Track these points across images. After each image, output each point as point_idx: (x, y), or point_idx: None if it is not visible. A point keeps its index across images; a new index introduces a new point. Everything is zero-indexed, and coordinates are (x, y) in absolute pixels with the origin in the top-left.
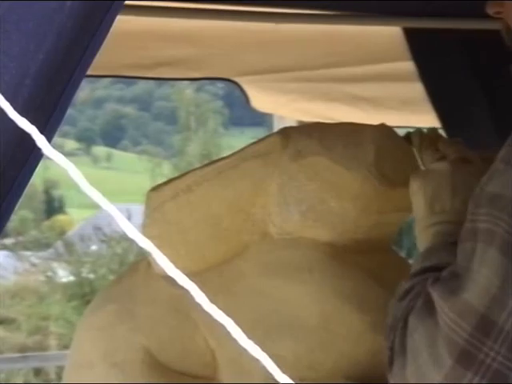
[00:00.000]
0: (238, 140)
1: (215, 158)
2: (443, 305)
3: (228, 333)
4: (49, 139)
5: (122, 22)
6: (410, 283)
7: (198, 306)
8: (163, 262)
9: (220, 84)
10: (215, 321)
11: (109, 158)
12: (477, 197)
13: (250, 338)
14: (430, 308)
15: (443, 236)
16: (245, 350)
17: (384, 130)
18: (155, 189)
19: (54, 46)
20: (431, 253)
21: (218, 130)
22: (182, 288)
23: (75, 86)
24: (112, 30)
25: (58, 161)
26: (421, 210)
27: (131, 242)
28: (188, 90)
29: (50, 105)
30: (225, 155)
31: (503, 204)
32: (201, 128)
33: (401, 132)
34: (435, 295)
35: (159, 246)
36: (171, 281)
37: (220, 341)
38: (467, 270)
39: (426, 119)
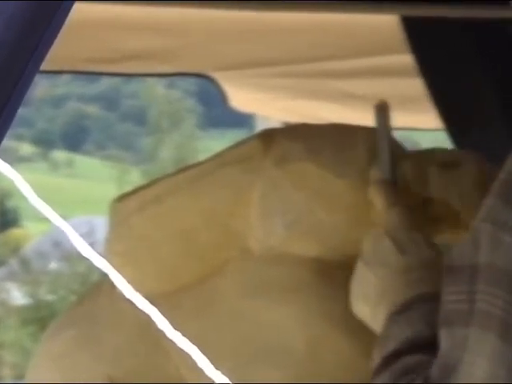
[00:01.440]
0: (217, 143)
1: (190, 163)
2: None
3: (194, 361)
4: None
5: (82, 11)
6: (387, 376)
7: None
8: (121, 284)
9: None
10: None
11: (70, 163)
12: (462, 268)
13: (229, 366)
14: None
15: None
16: (212, 380)
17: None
18: (120, 199)
19: (2, 38)
20: (406, 322)
21: (193, 131)
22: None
23: (27, 83)
24: (71, 19)
25: (3, 170)
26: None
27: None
28: (158, 86)
29: None
30: (201, 160)
31: (497, 277)
32: (174, 129)
33: (398, 134)
34: None
35: (124, 264)
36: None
37: (192, 369)
38: (461, 364)
39: (427, 119)
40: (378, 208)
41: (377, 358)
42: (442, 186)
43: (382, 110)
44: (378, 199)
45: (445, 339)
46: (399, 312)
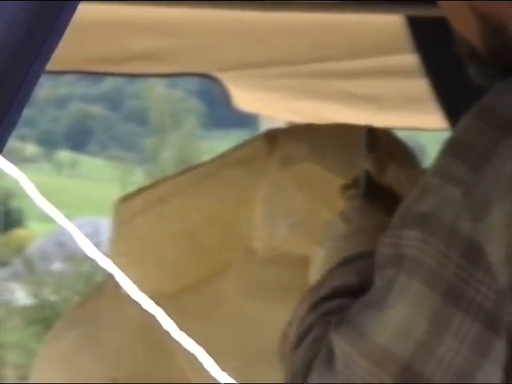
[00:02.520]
0: (220, 143)
1: (193, 163)
2: (351, 351)
3: (199, 363)
4: (2, 144)
5: (87, 11)
6: (310, 319)
7: (167, 332)
8: (126, 285)
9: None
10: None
11: (73, 164)
12: (402, 215)
13: (232, 367)
14: (331, 360)
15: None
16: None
17: (382, 133)
18: (124, 200)
19: (5, 39)
20: (338, 274)
21: (195, 131)
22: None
23: (32, 84)
24: (75, 19)
25: (8, 170)
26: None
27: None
28: (160, 86)
29: (4, 104)
30: (204, 161)
31: (436, 227)
32: (176, 130)
33: (403, 134)
34: (340, 342)
35: (128, 265)
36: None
37: (197, 371)
38: (382, 306)
39: (432, 119)
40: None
41: (304, 306)
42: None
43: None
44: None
45: (376, 281)
46: (335, 267)
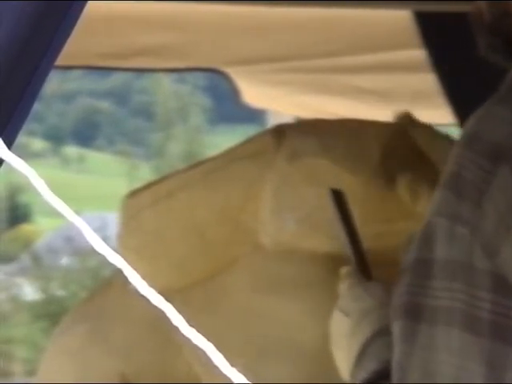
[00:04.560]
0: (227, 138)
1: (200, 158)
2: None
3: (209, 359)
4: (11, 140)
5: (95, 6)
6: None
7: (176, 328)
8: (135, 280)
9: (203, 75)
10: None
11: (81, 159)
12: (417, 264)
13: (240, 362)
14: None
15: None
16: (228, 378)
17: (391, 128)
18: (132, 194)
19: (13, 33)
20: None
21: (202, 126)
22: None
23: (41, 79)
24: (83, 14)
25: (17, 166)
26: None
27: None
28: (168, 81)
29: (12, 100)
30: (212, 155)
31: (456, 271)
32: (183, 124)
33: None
34: None
35: (136, 260)
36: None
37: (206, 366)
38: (429, 363)
39: (440, 114)
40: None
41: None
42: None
43: (339, 197)
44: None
45: (400, 331)
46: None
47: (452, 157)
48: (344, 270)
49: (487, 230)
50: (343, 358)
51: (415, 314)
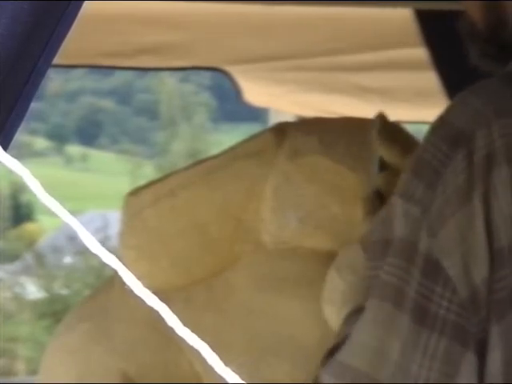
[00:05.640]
0: (230, 137)
1: (203, 156)
2: (322, 376)
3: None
4: (9, 139)
5: (97, 4)
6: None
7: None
8: (130, 280)
9: (207, 74)
10: (194, 344)
11: (84, 157)
12: (372, 245)
13: (242, 360)
14: None
15: None
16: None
17: (391, 126)
18: (134, 193)
19: (11, 32)
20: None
21: (205, 125)
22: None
23: (39, 78)
24: (86, 13)
25: (11, 166)
26: None
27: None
28: (171, 80)
29: (10, 99)
30: (214, 154)
31: (398, 248)
32: (187, 123)
33: (413, 128)
34: (327, 377)
35: (138, 258)
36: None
37: (206, 365)
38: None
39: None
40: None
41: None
42: None
43: (375, 123)
44: (360, 212)
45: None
46: (347, 317)
47: (422, 140)
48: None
49: (435, 211)
50: (336, 294)
51: (369, 288)
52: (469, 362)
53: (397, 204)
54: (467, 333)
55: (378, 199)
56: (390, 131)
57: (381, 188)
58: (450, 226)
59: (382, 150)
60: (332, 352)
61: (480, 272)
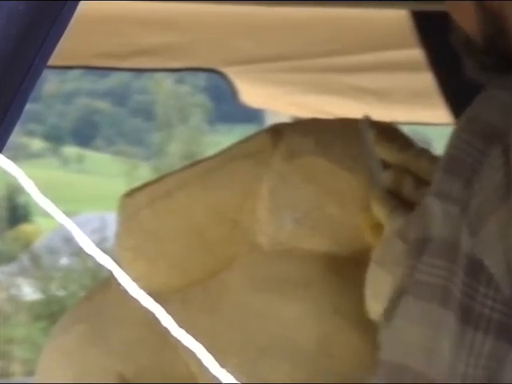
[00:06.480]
0: (225, 138)
1: (199, 158)
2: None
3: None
4: (5, 139)
5: (93, 5)
6: None
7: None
8: (125, 281)
9: (203, 75)
10: (189, 346)
11: (80, 159)
12: (411, 243)
13: (238, 361)
14: None
15: None
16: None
17: (388, 127)
18: (130, 194)
19: (5, 33)
20: None
21: (201, 126)
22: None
23: (34, 79)
24: (81, 14)
25: (6, 167)
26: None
27: (106, 255)
28: (167, 81)
29: (5, 100)
30: (210, 155)
31: (441, 248)
32: (183, 124)
33: (409, 129)
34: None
35: (134, 259)
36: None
37: (202, 366)
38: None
39: (438, 114)
40: (383, 219)
41: None
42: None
43: (366, 125)
44: (380, 212)
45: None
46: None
47: (450, 139)
48: (374, 191)
49: (474, 209)
50: (384, 289)
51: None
52: None
53: (433, 203)
54: None
55: (392, 197)
56: (385, 130)
57: (388, 186)
58: (490, 224)
59: (381, 151)
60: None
61: None
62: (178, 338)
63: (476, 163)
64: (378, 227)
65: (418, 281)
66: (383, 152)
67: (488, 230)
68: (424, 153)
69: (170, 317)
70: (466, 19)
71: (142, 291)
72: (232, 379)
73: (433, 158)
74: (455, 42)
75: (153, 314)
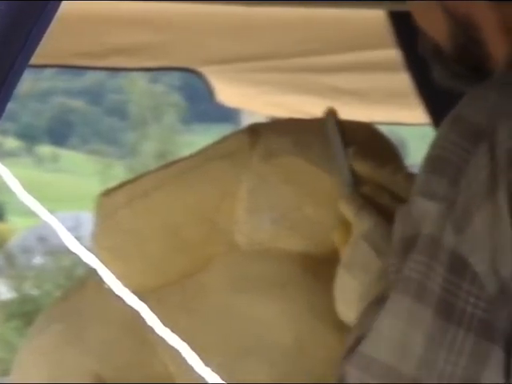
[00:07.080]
0: (201, 138)
1: (174, 157)
2: (347, 368)
3: (183, 358)
4: None
5: (70, 5)
6: (343, 366)
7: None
8: (109, 279)
9: (177, 74)
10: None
11: (55, 158)
12: (395, 243)
13: (217, 361)
14: None
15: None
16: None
17: (366, 127)
18: (107, 193)
19: None
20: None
21: (176, 126)
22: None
23: (16, 78)
24: (58, 13)
25: None
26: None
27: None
28: (142, 81)
29: None
30: (185, 155)
31: (422, 245)
32: (157, 124)
33: (385, 129)
34: (352, 370)
35: (111, 259)
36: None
37: (180, 366)
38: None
39: (414, 114)
40: (350, 219)
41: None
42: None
43: (331, 116)
44: (347, 210)
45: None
46: (368, 307)
47: (435, 139)
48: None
49: (460, 207)
50: (351, 294)
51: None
52: (496, 358)
53: (418, 203)
54: (495, 329)
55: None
56: (363, 142)
57: (364, 192)
58: (476, 222)
59: (357, 167)
60: (355, 343)
61: (508, 266)
62: (163, 336)
63: (462, 162)
64: (346, 227)
65: (401, 276)
66: (360, 168)
67: (474, 228)
68: (399, 170)
69: (154, 315)
70: (435, 28)
71: (126, 289)
72: (217, 378)
73: (408, 176)
74: (423, 49)
75: (137, 313)
